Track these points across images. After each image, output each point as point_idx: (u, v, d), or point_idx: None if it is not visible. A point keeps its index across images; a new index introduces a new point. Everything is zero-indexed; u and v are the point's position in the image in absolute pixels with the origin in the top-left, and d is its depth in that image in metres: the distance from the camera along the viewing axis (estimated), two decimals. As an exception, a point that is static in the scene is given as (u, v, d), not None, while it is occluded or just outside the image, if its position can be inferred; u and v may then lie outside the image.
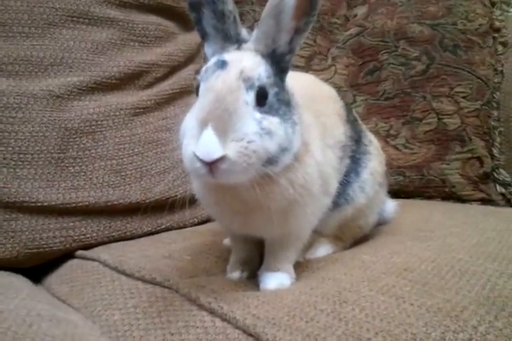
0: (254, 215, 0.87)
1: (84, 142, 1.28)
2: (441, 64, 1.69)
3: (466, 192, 1.61)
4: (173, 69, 1.48)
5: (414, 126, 1.69)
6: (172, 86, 1.45)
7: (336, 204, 1.01)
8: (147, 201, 1.32)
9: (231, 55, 0.81)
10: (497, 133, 1.65)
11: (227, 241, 1.18)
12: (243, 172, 0.75)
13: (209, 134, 0.73)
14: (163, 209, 1.32)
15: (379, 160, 1.12)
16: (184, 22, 1.56)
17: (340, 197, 1.02)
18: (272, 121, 0.78)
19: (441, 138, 1.65)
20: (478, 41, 1.69)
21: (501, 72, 1.68)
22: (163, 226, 1.36)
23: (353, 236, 1.12)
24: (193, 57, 1.57)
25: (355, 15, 1.93)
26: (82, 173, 1.26)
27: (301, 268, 0.97)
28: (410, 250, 0.98)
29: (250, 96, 0.77)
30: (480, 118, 1.64)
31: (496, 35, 1.71)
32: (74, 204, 1.23)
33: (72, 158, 1.26)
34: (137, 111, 1.37)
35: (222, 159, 0.72)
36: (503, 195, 1.61)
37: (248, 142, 0.74)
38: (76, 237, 1.23)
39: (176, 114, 1.43)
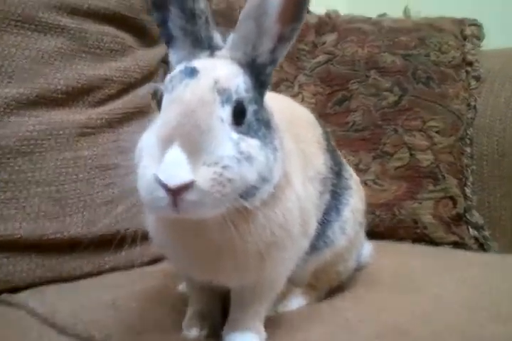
0: (222, 260, 0.72)
1: (19, 164, 1.09)
2: (413, 96, 1.61)
3: (439, 234, 1.51)
4: (128, 87, 1.32)
5: (384, 161, 1.59)
6: (126, 104, 1.29)
7: (314, 248, 0.87)
8: (90, 236, 1.14)
9: (202, 62, 0.67)
10: (469, 171, 1.57)
11: (182, 288, 1.01)
12: (214, 204, 0.61)
13: (175, 153, 0.59)
14: (109, 245, 1.13)
15: (360, 196, 0.99)
16: (143, 36, 1.42)
17: (319, 239, 0.88)
18: (252, 144, 0.65)
19: (413, 175, 1.55)
20: (452, 74, 1.63)
21: (474, 107, 1.61)
22: (107, 266, 1.18)
23: (329, 284, 0.98)
24: (152, 74, 1.42)
25: (324, 43, 1.84)
26: (14, 200, 1.08)
27: (272, 326, 0.82)
28: (398, 305, 0.86)
29: (226, 112, 0.64)
30: (453, 155, 1.56)
31: (469, 68, 1.66)
32: (1, 238, 1.04)
33: (4, 181, 1.07)
34: (85, 130, 1.20)
35: (189, 186, 0.59)
36: (475, 238, 1.52)
37: (223, 167, 0.61)
38: (1, 277, 1.03)
39: (129, 136, 1.27)
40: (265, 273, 0.75)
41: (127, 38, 1.36)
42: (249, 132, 0.66)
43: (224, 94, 0.64)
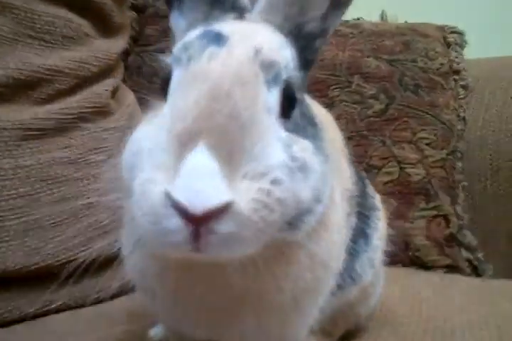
0: (241, 314, 0.53)
1: None
2: (401, 104, 1.47)
3: (432, 257, 1.36)
4: (83, 81, 1.08)
5: (372, 175, 1.42)
6: (81, 103, 1.06)
7: (338, 287, 0.68)
8: (32, 267, 0.90)
9: (230, 26, 0.49)
10: (461, 187, 1.44)
11: (155, 335, 0.79)
12: (254, 238, 0.43)
13: (202, 159, 0.41)
14: (56, 278, 0.90)
15: (384, 218, 0.82)
16: (103, 24, 1.18)
17: (345, 275, 0.70)
18: (305, 147, 0.48)
19: (404, 191, 1.40)
20: (441, 82, 1.51)
21: (464, 118, 1.49)
22: (54, 305, 0.93)
23: (346, 328, 0.80)
24: (112, 69, 1.19)
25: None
26: None
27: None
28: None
29: (273, 98, 0.46)
30: (446, 170, 1.42)
31: (457, 77, 1.54)
32: None
33: None
34: (28, 133, 0.96)
35: (224, 212, 0.41)
36: (468, 261, 1.38)
37: (272, 182, 0.43)
38: None
39: (84, 142, 1.03)
40: (293, 328, 0.55)
41: (84, 24, 1.12)
42: (297, 130, 0.48)
43: (270, 70, 0.45)
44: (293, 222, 0.46)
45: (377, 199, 0.81)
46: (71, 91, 1.06)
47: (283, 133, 0.46)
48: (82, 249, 0.92)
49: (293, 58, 0.49)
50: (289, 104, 0.47)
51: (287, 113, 0.47)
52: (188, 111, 0.43)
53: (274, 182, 0.43)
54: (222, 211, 0.40)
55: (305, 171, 0.46)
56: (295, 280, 0.52)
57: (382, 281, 0.84)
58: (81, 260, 0.93)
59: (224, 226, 0.41)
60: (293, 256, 0.51)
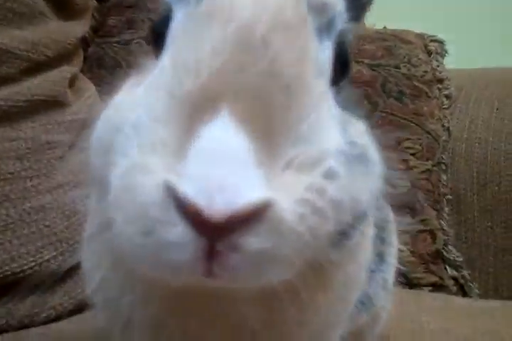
0: None
1: None
2: (385, 112, 1.37)
3: (417, 274, 1.25)
4: (36, 66, 0.92)
5: (354, 186, 1.32)
6: (33, 90, 0.89)
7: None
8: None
9: None
10: (445, 201, 1.35)
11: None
12: (295, 259, 0.30)
13: (226, 134, 0.28)
14: None
15: (396, 232, 0.70)
16: (63, 5, 1.03)
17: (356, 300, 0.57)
18: (362, 132, 0.37)
19: (388, 204, 1.29)
20: (425, 90, 1.43)
21: (448, 129, 1.41)
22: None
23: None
24: (70, 56, 1.04)
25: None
26: None
27: None
28: None
29: (326, 54, 0.34)
30: (431, 182, 1.33)
31: (440, 86, 1.46)
32: None
33: None
34: (-33, 121, 0.80)
35: (258, 217, 0.27)
36: (454, 278, 1.29)
37: (327, 176, 0.30)
38: None
39: (35, 135, 0.87)
40: None
41: (39, 2, 0.97)
42: (347, 107, 0.36)
43: (322, 15, 0.33)
44: (344, 234, 0.33)
45: (389, 210, 0.70)
46: (21, 75, 0.89)
47: (336, 109, 0.34)
48: (31, 259, 0.76)
49: (344, 7, 0.36)
50: (341, 67, 0.35)
51: (339, 80, 0.35)
52: (203, 64, 0.30)
53: (329, 175, 0.30)
54: (254, 216, 0.27)
55: (364, 162, 0.34)
56: (326, 312, 0.39)
57: (390, 305, 0.72)
58: (28, 272, 0.78)
59: (255, 241, 0.27)
60: (330, 282, 0.38)
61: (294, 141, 0.29)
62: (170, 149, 0.29)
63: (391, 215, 0.68)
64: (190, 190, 0.26)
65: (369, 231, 0.46)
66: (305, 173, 0.29)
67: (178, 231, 0.27)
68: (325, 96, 0.32)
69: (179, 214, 0.27)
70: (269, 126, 0.29)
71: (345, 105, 0.36)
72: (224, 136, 0.28)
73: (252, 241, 0.27)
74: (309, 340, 0.42)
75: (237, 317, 0.37)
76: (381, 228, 0.61)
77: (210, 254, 0.27)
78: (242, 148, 0.27)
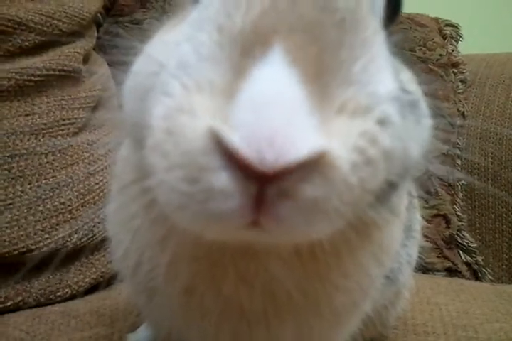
0: (278, 323, 0.38)
1: None
2: (399, 95, 1.35)
3: (431, 259, 1.24)
4: (51, 40, 0.90)
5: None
6: (47, 64, 0.88)
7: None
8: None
9: None
10: (460, 186, 1.33)
11: (135, 338, 0.63)
12: (345, 210, 0.28)
13: (279, 75, 0.26)
14: (13, 271, 0.73)
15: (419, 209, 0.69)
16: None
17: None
18: (412, 80, 0.36)
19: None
20: (441, 73, 1.40)
21: (463, 113, 1.39)
22: (10, 303, 0.74)
23: (371, 337, 0.66)
24: (84, 31, 1.02)
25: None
26: None
27: None
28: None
29: None
30: (446, 166, 1.31)
31: (455, 70, 1.44)
32: None
33: None
34: (-19, 94, 0.78)
35: (313, 165, 0.26)
36: (468, 264, 1.27)
37: (380, 122, 0.29)
38: None
39: (50, 110, 0.85)
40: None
41: (52, -28, 0.95)
42: (396, 54, 0.34)
43: None
44: (392, 186, 0.31)
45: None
46: (36, 49, 0.88)
47: (388, 52, 0.32)
48: (46, 236, 0.74)
49: None
50: (392, 8, 0.33)
51: (389, 23, 0.33)
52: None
53: (383, 122, 0.29)
54: (307, 165, 0.25)
55: (417, 111, 0.32)
56: (362, 279, 0.37)
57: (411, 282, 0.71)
58: (44, 249, 0.76)
59: (307, 188, 0.26)
60: (370, 243, 0.36)
61: (347, 82, 0.28)
62: (218, 90, 0.27)
63: (413, 190, 0.67)
64: (238, 140, 0.25)
65: (403, 207, 0.44)
66: (358, 119, 0.28)
67: (225, 177, 0.26)
68: (378, 36, 0.30)
69: (226, 161, 0.26)
70: (322, 65, 0.27)
71: (394, 51, 0.34)
72: (276, 79, 0.26)
73: (304, 188, 0.26)
74: (344, 306, 0.40)
75: (272, 279, 0.35)
76: (409, 199, 0.60)
77: (259, 202, 0.26)
78: (295, 92, 0.26)
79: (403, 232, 0.58)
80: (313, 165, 0.26)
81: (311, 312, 0.38)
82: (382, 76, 0.29)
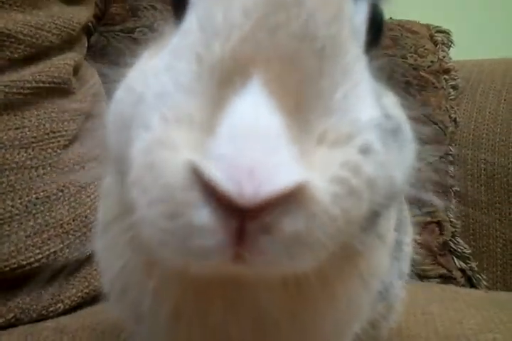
0: None
1: None
2: (392, 102, 1.35)
3: (425, 266, 1.24)
4: (40, 51, 0.90)
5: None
6: (36, 76, 0.87)
7: None
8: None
9: None
10: (453, 193, 1.34)
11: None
12: (328, 243, 0.27)
13: (257, 107, 0.26)
14: (4, 287, 0.72)
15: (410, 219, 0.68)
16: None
17: None
18: (395, 104, 0.36)
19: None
20: (432, 80, 1.41)
21: (455, 120, 1.39)
22: (1, 321, 0.74)
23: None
24: (74, 42, 1.01)
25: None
26: None
27: None
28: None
29: (361, 16, 0.33)
30: (439, 174, 1.31)
31: (447, 76, 1.45)
32: None
33: None
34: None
35: (293, 198, 0.25)
36: (462, 270, 1.27)
37: (363, 151, 0.28)
38: None
39: (40, 123, 0.85)
40: None
41: (42, -15, 0.94)
42: (378, 78, 0.34)
43: None
44: (376, 215, 0.31)
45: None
46: (25, 61, 0.87)
47: (369, 77, 0.31)
48: (37, 251, 0.74)
49: None
50: (374, 33, 0.33)
51: (371, 47, 0.33)
52: (234, 25, 0.27)
53: (365, 150, 0.28)
54: (287, 198, 0.25)
55: (400, 137, 0.32)
56: (351, 302, 0.37)
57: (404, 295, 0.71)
58: (35, 265, 0.76)
59: (287, 222, 0.26)
60: (357, 269, 0.36)
61: (327, 111, 0.28)
62: (197, 122, 0.27)
63: (404, 202, 0.66)
64: (218, 174, 0.25)
65: (393, 215, 0.44)
66: (339, 148, 0.27)
67: (206, 213, 0.25)
68: (360, 62, 0.30)
69: (206, 196, 0.25)
70: (302, 95, 0.27)
71: (376, 75, 0.34)
72: (255, 111, 0.26)
73: (285, 222, 0.26)
74: (332, 332, 0.40)
75: (260, 307, 0.35)
76: (399, 214, 0.60)
77: (240, 237, 0.25)
78: (274, 124, 0.26)
79: (396, 247, 0.58)
80: (293, 198, 0.25)
81: (305, 333, 0.38)
82: (364, 103, 0.29)
